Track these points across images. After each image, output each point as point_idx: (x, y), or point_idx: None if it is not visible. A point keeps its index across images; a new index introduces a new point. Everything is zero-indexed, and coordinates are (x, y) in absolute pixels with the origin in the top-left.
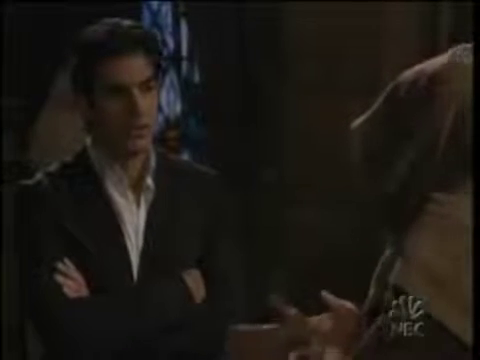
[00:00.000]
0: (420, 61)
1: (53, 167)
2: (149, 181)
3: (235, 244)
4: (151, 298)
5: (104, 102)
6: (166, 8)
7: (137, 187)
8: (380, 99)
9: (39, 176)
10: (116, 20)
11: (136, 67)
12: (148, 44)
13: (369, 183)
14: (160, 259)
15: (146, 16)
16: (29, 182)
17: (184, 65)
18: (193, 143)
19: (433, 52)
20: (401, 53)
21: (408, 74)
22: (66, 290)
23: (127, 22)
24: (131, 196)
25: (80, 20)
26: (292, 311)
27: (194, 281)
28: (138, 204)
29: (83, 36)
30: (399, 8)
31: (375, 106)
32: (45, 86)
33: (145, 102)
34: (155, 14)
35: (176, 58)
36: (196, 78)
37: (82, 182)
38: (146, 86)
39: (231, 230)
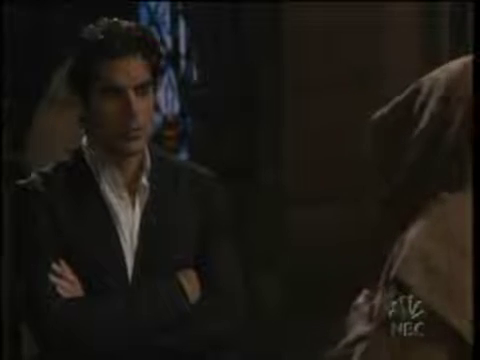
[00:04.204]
0: (421, 57)
1: (48, 167)
2: (144, 181)
3: (233, 245)
4: (145, 298)
5: (99, 103)
6: (164, 6)
7: (133, 187)
8: (400, 97)
9: (34, 176)
10: (115, 21)
11: (132, 69)
12: (146, 47)
13: (380, 178)
14: (155, 259)
15: (143, 14)
16: (24, 182)
17: (182, 64)
18: (191, 142)
19: (433, 48)
20: (402, 51)
21: (428, 77)
22: (60, 291)
23: (126, 23)
24: (126, 197)
25: (77, 19)
26: None
27: (189, 281)
28: (133, 205)
29: (81, 36)
30: (400, 4)
31: (394, 103)
32: (42, 86)
33: (140, 104)
34: (153, 12)
35: (174, 57)
36: (194, 77)
37: (77, 182)
38: (142, 89)
39: (229, 231)
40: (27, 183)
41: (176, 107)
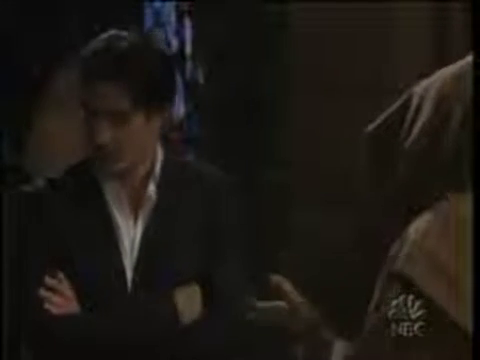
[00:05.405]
0: (429, 62)
1: (56, 174)
2: (151, 191)
3: (241, 254)
4: (139, 315)
5: (83, 119)
6: (169, 6)
7: (138, 197)
8: (394, 105)
9: (40, 183)
10: (113, 40)
11: (107, 95)
12: (130, 75)
13: (376, 184)
14: (155, 274)
15: (148, 15)
16: (29, 189)
17: (188, 65)
18: (197, 144)
19: (443, 52)
20: (409, 53)
21: (421, 85)
22: (50, 306)
23: (121, 46)
24: (129, 208)
25: (80, 19)
26: (289, 287)
27: (186, 298)
28: (136, 217)
29: (79, 52)
30: (408, 6)
31: (389, 111)
32: (41, 87)
33: (112, 130)
34: (158, 13)
35: (180, 58)
36: (200, 78)
37: (82, 192)
38: (118, 115)
39: (238, 240)
40: (32, 190)
41: (181, 109)
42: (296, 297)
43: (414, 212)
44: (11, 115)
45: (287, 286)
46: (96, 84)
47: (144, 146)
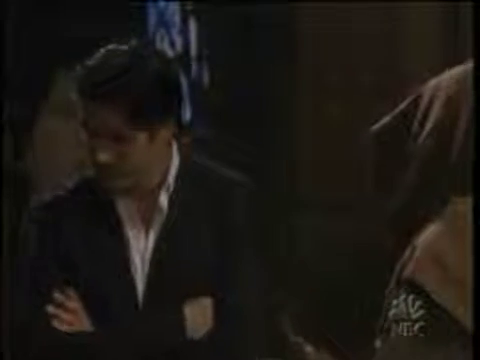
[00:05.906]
0: (440, 64)
1: (71, 183)
2: (162, 202)
3: (254, 262)
4: (148, 329)
5: (85, 137)
6: (173, 6)
7: (150, 208)
8: (404, 104)
9: (54, 193)
10: (108, 57)
11: (105, 116)
12: (123, 94)
13: (382, 188)
14: (166, 287)
15: (152, 15)
16: (40, 203)
17: (193, 66)
18: (202, 145)
19: (453, 53)
20: (420, 56)
21: (429, 86)
22: (58, 323)
23: (117, 66)
24: (141, 221)
25: (83, 19)
26: (309, 349)
27: (196, 312)
28: (147, 230)
29: (76, 70)
30: (419, 9)
31: (398, 110)
32: (44, 91)
33: (112, 149)
34: (162, 13)
35: (185, 59)
36: (206, 79)
37: (94, 205)
38: (120, 136)
39: (250, 248)
40: (47, 200)
41: (188, 112)
42: (314, 356)
43: (424, 219)
44: (12, 117)
45: (307, 348)
46: (94, 105)
47: (152, 159)
